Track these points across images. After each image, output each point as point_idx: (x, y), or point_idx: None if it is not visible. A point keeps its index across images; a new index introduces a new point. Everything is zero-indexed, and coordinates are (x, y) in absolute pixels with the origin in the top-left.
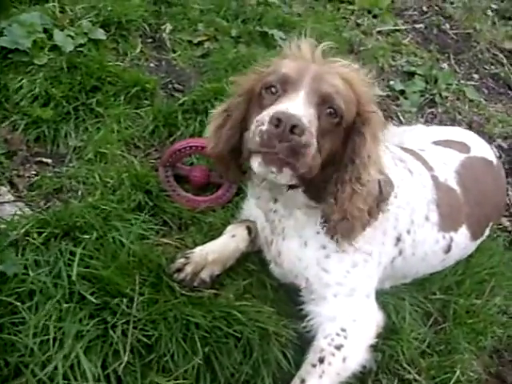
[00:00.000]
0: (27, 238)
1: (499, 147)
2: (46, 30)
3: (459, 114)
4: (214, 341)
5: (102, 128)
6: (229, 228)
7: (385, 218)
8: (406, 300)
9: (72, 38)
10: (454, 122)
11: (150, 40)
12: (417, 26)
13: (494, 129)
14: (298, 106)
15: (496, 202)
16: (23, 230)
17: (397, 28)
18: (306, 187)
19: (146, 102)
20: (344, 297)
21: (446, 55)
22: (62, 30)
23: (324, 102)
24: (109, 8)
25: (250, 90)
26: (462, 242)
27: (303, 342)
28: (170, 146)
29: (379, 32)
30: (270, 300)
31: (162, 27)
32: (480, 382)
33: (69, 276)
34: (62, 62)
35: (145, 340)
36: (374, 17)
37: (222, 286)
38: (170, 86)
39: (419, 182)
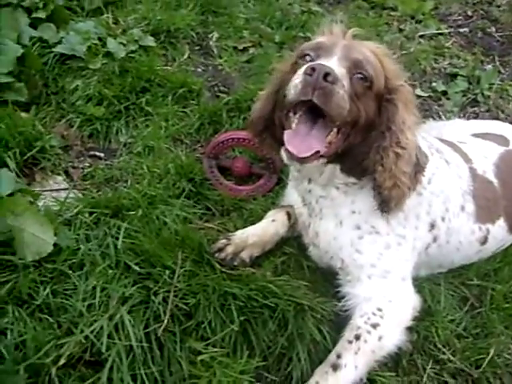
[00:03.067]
0: (79, 216)
1: None
2: (100, 39)
3: (502, 112)
4: (250, 311)
5: (151, 125)
6: (269, 213)
7: (418, 202)
8: (442, 285)
9: (124, 45)
10: (497, 120)
11: (197, 47)
12: (461, 29)
13: None
14: (331, 62)
15: None
16: (76, 210)
17: (440, 32)
18: (344, 162)
19: (192, 101)
20: (378, 278)
21: (491, 57)
22: (114, 39)
23: (355, 67)
24: (158, 18)
25: (285, 68)
26: (499, 234)
27: (339, 321)
28: (214, 139)
29: (422, 36)
30: (307, 280)
31: (209, 35)
32: None
33: (115, 247)
34: (114, 67)
35: (184, 308)
36: (418, 22)
37: (259, 267)
38: (215, 88)
39: (455, 173)
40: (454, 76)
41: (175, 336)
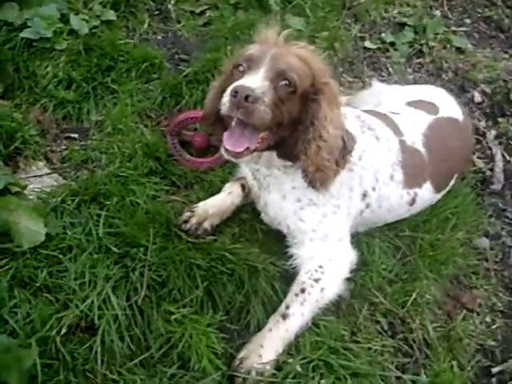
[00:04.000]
0: (63, 204)
1: (482, 92)
2: (62, 15)
3: (446, 62)
4: (212, 276)
5: (118, 103)
6: (226, 186)
7: (351, 176)
8: (377, 238)
9: (86, 21)
10: (440, 71)
11: (156, 12)
12: None
13: (479, 74)
14: (254, 80)
15: (461, 156)
16: (60, 198)
17: None
18: (279, 150)
19: (154, 75)
20: (319, 241)
21: (440, 1)
22: (76, 14)
23: (279, 76)
24: None
25: (227, 71)
26: (426, 195)
27: (290, 279)
28: (175, 117)
29: None
30: (261, 242)
31: None
32: (437, 302)
33: (97, 233)
34: (79, 45)
35: (157, 279)
36: None
37: (220, 234)
38: (176, 56)
39: (385, 147)
40: (402, 25)
41: (152, 302)
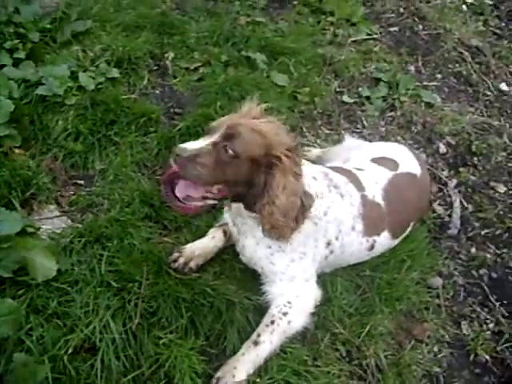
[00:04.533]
0: (71, 244)
1: (447, 144)
2: (72, 72)
3: (415, 115)
4: (195, 308)
5: (119, 154)
6: (210, 231)
7: (316, 229)
8: (340, 276)
9: (93, 78)
10: (410, 124)
11: (155, 68)
12: (391, 29)
13: (445, 127)
14: (196, 143)
15: (417, 207)
16: (68, 239)
17: (370, 36)
18: (244, 202)
19: (151, 129)
20: (287, 281)
21: (415, 57)
22: (84, 71)
23: (224, 140)
24: (120, 48)
25: None
26: (384, 241)
27: (263, 311)
28: (168, 168)
29: (354, 41)
30: (238, 279)
31: (166, 55)
32: (390, 333)
33: (100, 270)
34: (86, 101)
35: (149, 309)
36: (353, 24)
37: (203, 272)
38: (171, 110)
39: (348, 202)
40: (378, 80)
41: (144, 329)
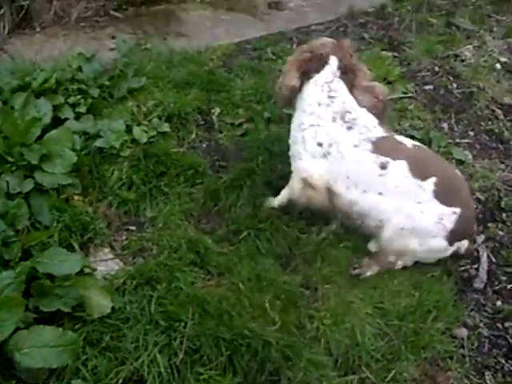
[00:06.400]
0: (124, 285)
1: (477, 200)
2: (127, 126)
3: None
4: (233, 348)
5: (168, 203)
6: None
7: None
8: (369, 324)
9: (146, 132)
10: None
11: (202, 123)
12: (426, 87)
13: (475, 184)
14: None
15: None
16: (121, 280)
17: (406, 95)
18: None
19: (198, 181)
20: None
21: (449, 114)
22: (138, 125)
23: None
24: (171, 104)
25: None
26: (400, 173)
27: (297, 351)
28: None
29: (390, 99)
30: (274, 322)
31: (212, 110)
32: (415, 380)
33: (149, 310)
34: (139, 153)
35: (192, 347)
36: (389, 83)
37: (239, 317)
38: (216, 163)
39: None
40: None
41: (187, 364)
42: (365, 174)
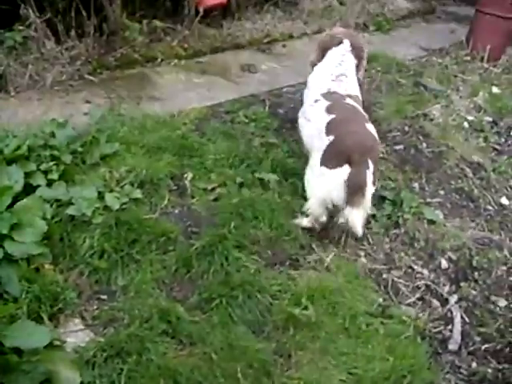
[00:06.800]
0: (94, 358)
1: (449, 259)
2: (99, 193)
3: (418, 232)
4: None
5: (140, 271)
6: None
7: None
8: None
9: (118, 198)
10: (413, 240)
11: (175, 187)
12: (397, 147)
13: (447, 243)
14: None
15: None
16: (92, 353)
17: None
18: None
19: (170, 248)
20: None
21: (419, 174)
22: (110, 192)
23: None
24: (144, 170)
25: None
26: None
27: None
28: None
29: None
30: None
31: (185, 176)
32: None
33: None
34: (111, 220)
35: None
36: None
37: None
38: (189, 229)
39: None
40: (383, 198)
41: None
42: None
